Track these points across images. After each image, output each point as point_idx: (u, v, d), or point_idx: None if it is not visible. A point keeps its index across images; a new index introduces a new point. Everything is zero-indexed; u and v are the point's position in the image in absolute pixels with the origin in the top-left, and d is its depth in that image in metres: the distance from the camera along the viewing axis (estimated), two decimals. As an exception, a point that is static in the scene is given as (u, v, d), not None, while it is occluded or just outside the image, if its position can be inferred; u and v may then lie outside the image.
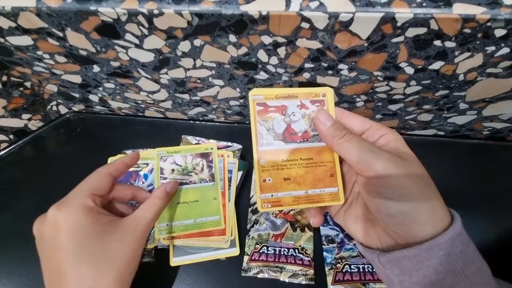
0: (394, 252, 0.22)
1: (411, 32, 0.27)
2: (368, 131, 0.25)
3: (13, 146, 0.47)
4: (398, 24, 0.26)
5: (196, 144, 0.43)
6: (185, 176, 0.37)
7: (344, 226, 0.27)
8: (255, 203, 0.39)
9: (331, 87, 0.36)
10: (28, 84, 0.43)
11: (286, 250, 0.36)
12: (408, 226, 0.21)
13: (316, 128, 0.26)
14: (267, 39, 0.29)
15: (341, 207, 0.27)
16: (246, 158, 0.43)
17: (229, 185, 0.39)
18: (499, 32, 0.26)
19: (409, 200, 0.21)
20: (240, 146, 0.43)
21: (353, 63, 0.31)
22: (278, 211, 0.39)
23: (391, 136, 0.24)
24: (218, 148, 0.41)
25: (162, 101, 0.44)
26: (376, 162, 0.22)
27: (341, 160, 0.27)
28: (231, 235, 0.37)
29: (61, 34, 0.32)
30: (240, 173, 0.40)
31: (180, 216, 0.36)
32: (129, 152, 0.43)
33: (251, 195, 0.40)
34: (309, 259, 0.35)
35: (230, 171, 0.40)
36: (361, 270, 0.34)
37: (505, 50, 0.28)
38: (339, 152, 0.24)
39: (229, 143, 0.43)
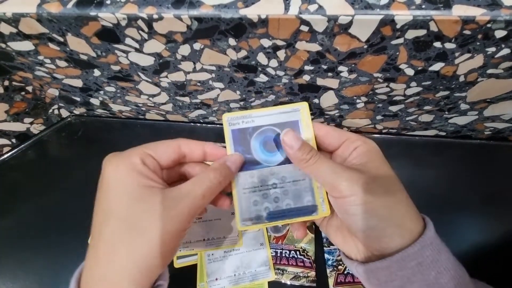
0: (368, 264, 0.22)
1: (411, 34, 0.27)
2: (344, 144, 0.25)
3: (15, 150, 0.47)
4: (398, 26, 0.26)
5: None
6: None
7: (327, 235, 0.28)
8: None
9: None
10: (29, 88, 0.43)
11: (288, 252, 0.36)
12: (377, 239, 0.22)
13: (284, 150, 0.25)
14: (266, 42, 0.29)
15: (323, 218, 0.28)
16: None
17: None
18: (499, 33, 0.26)
19: (374, 215, 0.22)
20: None
21: (353, 65, 0.31)
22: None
23: (364, 148, 0.24)
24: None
25: (163, 104, 0.44)
26: (339, 183, 0.22)
27: None
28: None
29: (61, 39, 0.32)
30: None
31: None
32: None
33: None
34: (311, 261, 0.35)
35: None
36: (363, 272, 0.34)
37: (505, 51, 0.27)
38: (309, 174, 0.25)
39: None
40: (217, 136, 0.48)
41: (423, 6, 0.25)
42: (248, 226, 0.26)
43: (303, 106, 0.27)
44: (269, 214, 0.26)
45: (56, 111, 0.50)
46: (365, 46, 0.28)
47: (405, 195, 0.23)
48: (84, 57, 0.34)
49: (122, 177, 0.21)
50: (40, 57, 0.35)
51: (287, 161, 0.26)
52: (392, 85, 0.34)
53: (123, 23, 0.28)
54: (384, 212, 0.22)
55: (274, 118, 0.26)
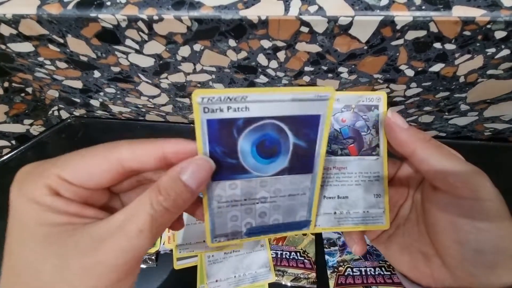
0: None
1: (411, 35, 0.27)
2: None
3: (15, 151, 0.47)
4: (398, 27, 0.26)
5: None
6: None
7: (385, 254, 0.24)
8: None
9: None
10: (29, 89, 0.43)
11: (288, 253, 0.36)
12: (488, 269, 0.17)
13: (390, 132, 0.21)
14: (266, 43, 0.29)
15: (382, 233, 0.24)
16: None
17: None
18: (499, 34, 0.26)
19: (505, 235, 0.17)
20: None
21: (353, 66, 0.31)
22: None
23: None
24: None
25: (163, 105, 0.44)
26: (472, 177, 0.17)
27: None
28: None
29: (61, 41, 0.32)
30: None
31: None
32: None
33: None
34: (311, 262, 0.35)
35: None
36: (364, 273, 0.34)
37: (505, 52, 0.28)
38: (424, 158, 0.19)
39: None
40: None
41: (423, 7, 0.25)
42: (222, 242, 0.21)
43: (332, 94, 0.17)
44: (249, 230, 0.21)
45: (56, 113, 0.49)
46: (365, 47, 0.28)
47: None
48: (84, 59, 0.34)
49: (22, 210, 0.15)
50: (40, 59, 0.35)
51: (287, 170, 0.20)
52: (392, 86, 0.34)
53: (123, 24, 0.28)
54: None
55: (281, 107, 0.17)
